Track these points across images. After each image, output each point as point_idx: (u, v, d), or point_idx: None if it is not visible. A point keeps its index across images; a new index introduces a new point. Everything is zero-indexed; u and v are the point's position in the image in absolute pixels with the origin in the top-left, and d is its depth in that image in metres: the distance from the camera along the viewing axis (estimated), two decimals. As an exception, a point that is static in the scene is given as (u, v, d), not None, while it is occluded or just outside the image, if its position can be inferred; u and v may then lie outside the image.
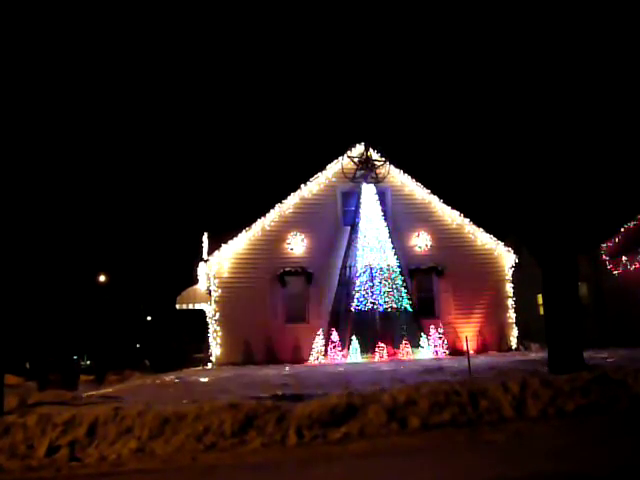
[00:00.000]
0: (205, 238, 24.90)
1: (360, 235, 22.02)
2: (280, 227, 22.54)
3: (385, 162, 23.18)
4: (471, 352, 15.96)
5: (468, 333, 20.27)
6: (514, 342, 23.09)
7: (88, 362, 48.06)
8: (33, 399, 11.88)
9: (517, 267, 24.18)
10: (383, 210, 22.74)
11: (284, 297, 22.17)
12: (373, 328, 20.86)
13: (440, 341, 21.59)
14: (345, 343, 20.76)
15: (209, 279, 22.47)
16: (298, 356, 21.20)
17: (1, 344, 11.19)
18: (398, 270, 21.88)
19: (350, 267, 21.77)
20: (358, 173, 22.84)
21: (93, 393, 14.64)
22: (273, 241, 22.42)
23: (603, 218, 25.30)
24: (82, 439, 9.26)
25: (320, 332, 21.44)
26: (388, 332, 20.91)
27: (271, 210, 22.65)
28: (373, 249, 21.79)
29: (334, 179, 23.27)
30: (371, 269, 21.53)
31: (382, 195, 23.20)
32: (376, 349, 20.53)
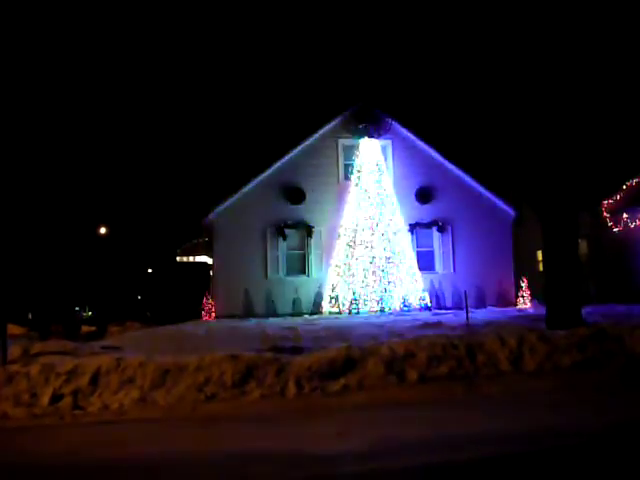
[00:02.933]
0: (206, 190, 24.84)
1: (361, 189, 21.95)
2: (281, 180, 22.42)
3: (387, 118, 22.92)
4: (470, 307, 16.05)
5: (467, 288, 20.33)
6: (513, 298, 23.19)
7: (90, 313, 48.45)
8: (36, 349, 12.01)
9: (518, 223, 24.15)
10: (384, 164, 22.61)
11: (285, 250, 22.23)
12: (372, 281, 20.95)
13: (439, 295, 21.72)
14: (345, 296, 20.87)
15: (210, 231, 22.50)
16: (298, 309, 21.36)
17: (4, 295, 11.27)
18: (398, 224, 21.86)
19: (351, 220, 21.73)
20: (360, 127, 22.62)
21: (95, 344, 14.79)
22: (274, 194, 22.33)
23: (604, 174, 25.12)
24: (85, 388, 9.40)
25: (320, 285, 21.55)
26: (387, 286, 21.00)
27: (272, 163, 22.52)
28: (374, 203, 21.72)
29: (336, 132, 23.06)
30: (371, 222, 21.52)
31: (383, 149, 23.04)
32: (375, 303, 20.67)
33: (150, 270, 54.49)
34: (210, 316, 21.24)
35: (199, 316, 22.04)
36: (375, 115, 22.86)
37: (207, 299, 21.55)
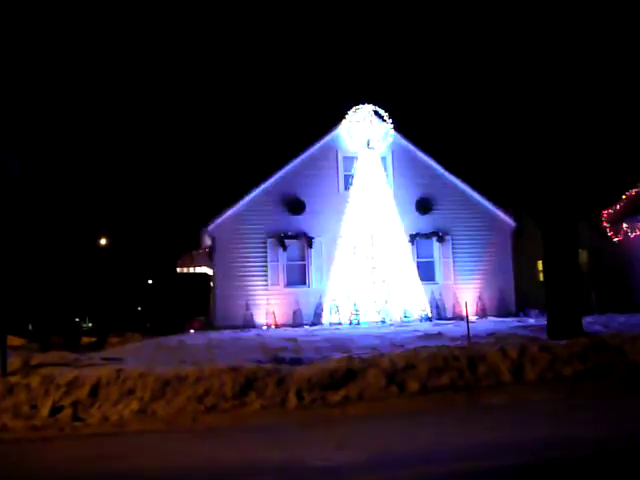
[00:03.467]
0: (207, 201, 24.87)
1: (361, 199, 21.96)
2: (281, 191, 22.44)
3: (387, 125, 22.96)
4: (471, 318, 16.05)
5: (468, 299, 20.32)
6: (514, 308, 23.16)
7: (90, 324, 48.45)
8: (36, 360, 11.96)
9: (518, 233, 24.14)
10: (384, 175, 22.63)
11: (285, 261, 22.21)
12: (373, 292, 20.93)
13: (440, 306, 21.70)
14: (346, 307, 20.84)
15: (210, 243, 22.50)
16: (298, 320, 21.33)
17: (4, 306, 11.26)
18: (398, 234, 21.86)
19: (351, 231, 21.73)
20: (360, 136, 22.66)
21: (95, 355, 14.76)
22: (274, 205, 22.34)
23: (604, 184, 25.17)
24: (85, 400, 9.38)
25: (321, 296, 21.52)
26: (388, 297, 20.98)
27: (272, 174, 22.55)
28: (374, 213, 21.74)
29: (335, 143, 23.10)
30: (371, 233, 21.52)
31: (383, 160, 23.07)
32: (376, 314, 20.63)
33: (150, 281, 54.51)
34: (210, 327, 21.21)
35: (199, 327, 22.04)
36: (374, 125, 22.88)
37: (207, 310, 21.54)
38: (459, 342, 12.80)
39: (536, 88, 13.88)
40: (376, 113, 23.04)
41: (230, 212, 21.98)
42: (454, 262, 23.28)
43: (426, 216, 23.19)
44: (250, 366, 10.03)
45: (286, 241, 22.15)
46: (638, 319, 17.16)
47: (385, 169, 22.93)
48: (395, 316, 20.77)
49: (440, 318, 21.57)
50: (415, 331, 16.25)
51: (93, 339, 26.20)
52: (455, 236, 23.32)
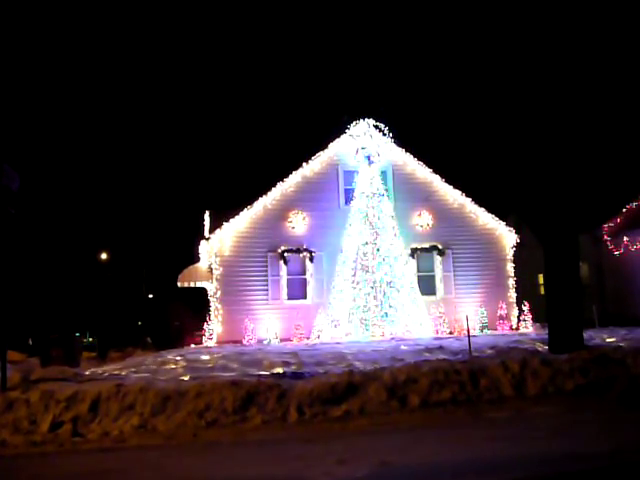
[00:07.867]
0: (207, 216, 24.88)
1: (361, 213, 21.97)
2: (281, 205, 22.48)
3: (387, 139, 23.01)
4: (471, 331, 16.01)
5: (469, 312, 20.27)
6: (515, 321, 23.13)
7: (90, 339, 48.35)
8: (36, 375, 11.94)
9: (518, 247, 24.14)
10: (384, 189, 22.64)
11: (285, 275, 22.19)
12: (374, 306, 20.89)
13: (441, 320, 21.65)
14: (346, 321, 20.80)
15: (210, 257, 22.49)
16: (299, 334, 21.27)
17: (4, 321, 11.24)
18: (399, 248, 21.86)
19: (352, 245, 21.73)
20: (360, 150, 22.70)
21: (95, 370, 14.73)
22: (274, 219, 22.37)
23: (605, 198, 25.23)
24: (85, 415, 9.34)
25: (321, 310, 21.48)
26: (388, 311, 20.95)
27: (272, 188, 22.57)
28: (374, 227, 21.74)
29: (336, 157, 23.15)
30: (372, 247, 21.51)
31: (384, 174, 23.10)
32: (377, 328, 20.58)
33: (151, 296, 54.42)
34: (211, 341, 21.16)
35: (200, 341, 21.98)
36: (374, 140, 22.92)
37: (208, 324, 21.50)
38: (460, 356, 12.77)
39: (537, 100, 13.92)
40: (376, 127, 23.10)
41: (230, 226, 21.98)
42: (455, 275, 23.27)
43: (426, 230, 23.20)
44: (251, 380, 10.00)
45: (287, 255, 22.15)
46: (639, 332, 17.13)
47: (385, 183, 22.96)
48: (396, 330, 20.71)
49: (441, 332, 21.52)
50: (416, 345, 16.21)
51: (93, 354, 26.13)
52: (456, 249, 23.33)
